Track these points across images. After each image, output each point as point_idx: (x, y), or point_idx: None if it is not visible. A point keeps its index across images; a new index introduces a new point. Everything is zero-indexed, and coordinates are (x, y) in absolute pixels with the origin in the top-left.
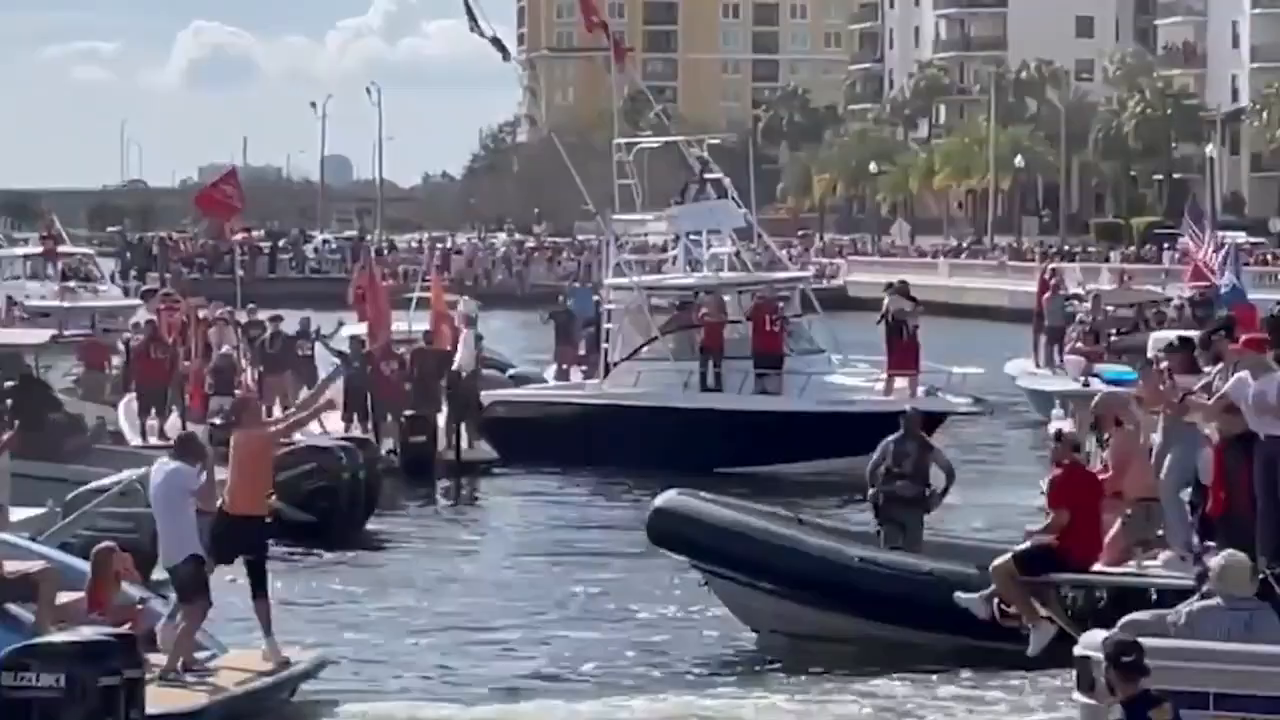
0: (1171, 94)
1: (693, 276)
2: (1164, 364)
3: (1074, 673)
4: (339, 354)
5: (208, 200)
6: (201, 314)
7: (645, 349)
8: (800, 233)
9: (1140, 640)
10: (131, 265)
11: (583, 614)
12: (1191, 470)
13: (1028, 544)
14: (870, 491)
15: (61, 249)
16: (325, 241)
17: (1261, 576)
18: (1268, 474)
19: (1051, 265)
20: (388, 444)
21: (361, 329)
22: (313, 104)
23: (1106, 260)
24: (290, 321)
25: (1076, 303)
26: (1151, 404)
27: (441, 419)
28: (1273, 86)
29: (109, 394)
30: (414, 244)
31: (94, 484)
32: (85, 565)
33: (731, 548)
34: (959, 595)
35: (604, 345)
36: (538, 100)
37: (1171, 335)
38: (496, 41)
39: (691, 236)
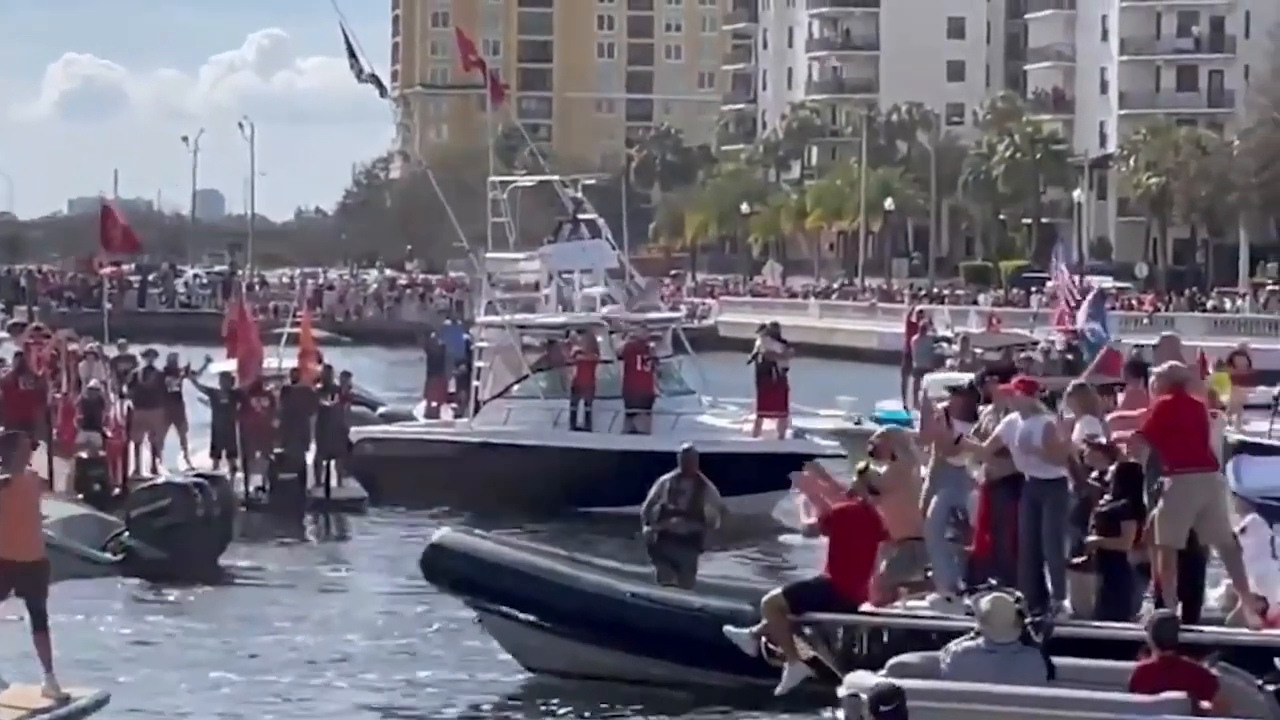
0: (1041, 139)
1: (563, 315)
2: (943, 405)
3: (840, 713)
4: (207, 390)
5: (113, 240)
6: (71, 347)
7: (516, 387)
8: (672, 272)
9: (901, 687)
10: None
11: (385, 657)
12: (955, 510)
13: (799, 580)
14: (645, 529)
15: None
16: (196, 276)
17: (1025, 621)
18: (1032, 516)
19: (920, 307)
20: (256, 480)
21: (231, 365)
22: (184, 138)
23: (975, 303)
24: (160, 357)
25: (945, 345)
26: (927, 442)
27: (310, 456)
28: (1140, 133)
29: None
30: (285, 279)
31: None
32: None
33: (504, 584)
34: (728, 630)
35: (474, 383)
36: (412, 136)
37: (951, 377)
38: (375, 78)
39: (563, 275)
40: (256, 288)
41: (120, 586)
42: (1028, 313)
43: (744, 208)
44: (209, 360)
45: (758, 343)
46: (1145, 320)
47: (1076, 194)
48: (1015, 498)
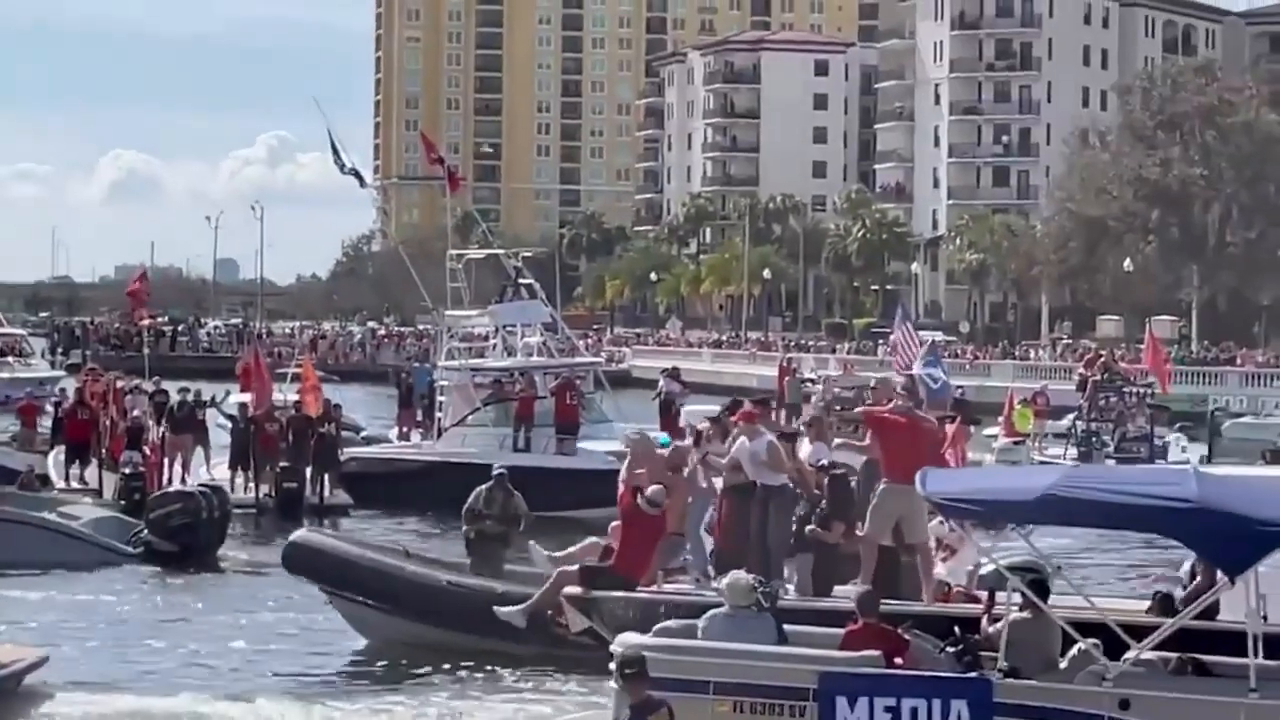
0: (886, 223)
1: (507, 360)
2: (703, 429)
3: (612, 665)
4: (229, 417)
5: (133, 293)
6: (119, 384)
7: (470, 417)
8: (594, 326)
9: (642, 654)
10: (58, 345)
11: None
12: (707, 511)
13: (592, 566)
14: (464, 529)
15: (0, 330)
16: (216, 327)
17: (758, 590)
18: (761, 513)
19: (790, 355)
20: (265, 489)
21: (246, 397)
22: (208, 217)
23: (834, 351)
24: (189, 392)
25: (810, 384)
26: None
27: (309, 471)
28: (963, 219)
29: (39, 446)
30: (288, 330)
31: None
32: None
33: (346, 574)
34: (498, 609)
35: (438, 414)
36: (389, 218)
37: (707, 409)
38: (355, 173)
39: (508, 328)
40: (265, 337)
41: (139, 571)
42: (875, 359)
43: (652, 276)
44: (229, 393)
45: (660, 383)
46: (967, 366)
47: (914, 266)
48: (742, 502)
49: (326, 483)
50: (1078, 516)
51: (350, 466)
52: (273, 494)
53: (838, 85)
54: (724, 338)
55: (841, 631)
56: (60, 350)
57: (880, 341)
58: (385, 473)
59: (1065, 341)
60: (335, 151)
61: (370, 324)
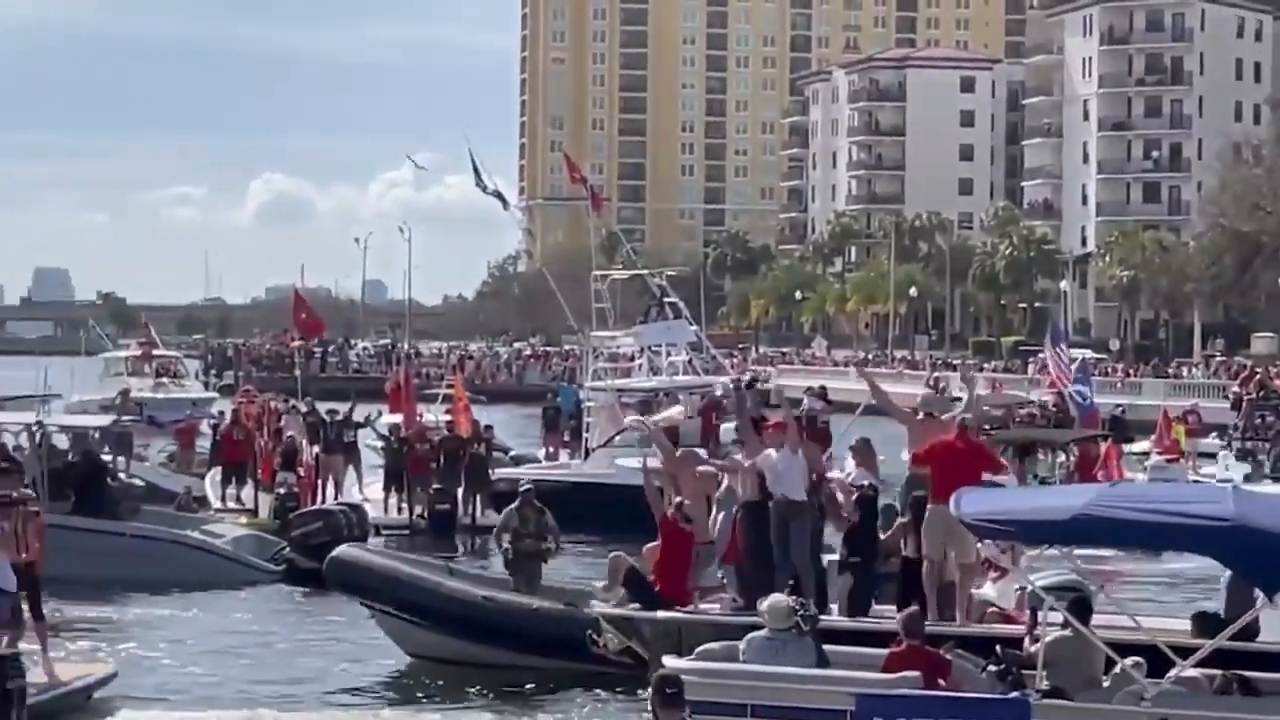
0: (1034, 240)
1: (654, 380)
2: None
3: (650, 685)
4: (382, 437)
5: (303, 325)
6: (274, 405)
7: (617, 437)
8: (739, 346)
9: (680, 675)
10: (212, 366)
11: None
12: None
13: (640, 580)
14: (502, 549)
15: (156, 352)
16: (365, 348)
17: (798, 612)
18: (781, 528)
19: (937, 374)
20: (418, 510)
21: (397, 419)
22: (356, 239)
23: (981, 370)
24: (340, 413)
25: (958, 404)
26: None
27: (461, 491)
28: (1113, 235)
29: (196, 467)
30: (435, 351)
31: None
32: None
33: (386, 589)
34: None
35: (585, 434)
36: (534, 239)
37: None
38: (498, 194)
39: (654, 348)
40: (412, 358)
41: (279, 589)
42: (1024, 378)
43: (797, 294)
44: (380, 413)
45: (805, 401)
46: (1118, 384)
47: (1063, 284)
48: (764, 517)
49: (478, 503)
50: (1112, 537)
51: (500, 487)
52: (425, 515)
53: (984, 101)
54: (870, 356)
55: (883, 653)
56: (213, 372)
57: (1029, 360)
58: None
59: (1218, 359)
60: (477, 173)
61: (516, 344)
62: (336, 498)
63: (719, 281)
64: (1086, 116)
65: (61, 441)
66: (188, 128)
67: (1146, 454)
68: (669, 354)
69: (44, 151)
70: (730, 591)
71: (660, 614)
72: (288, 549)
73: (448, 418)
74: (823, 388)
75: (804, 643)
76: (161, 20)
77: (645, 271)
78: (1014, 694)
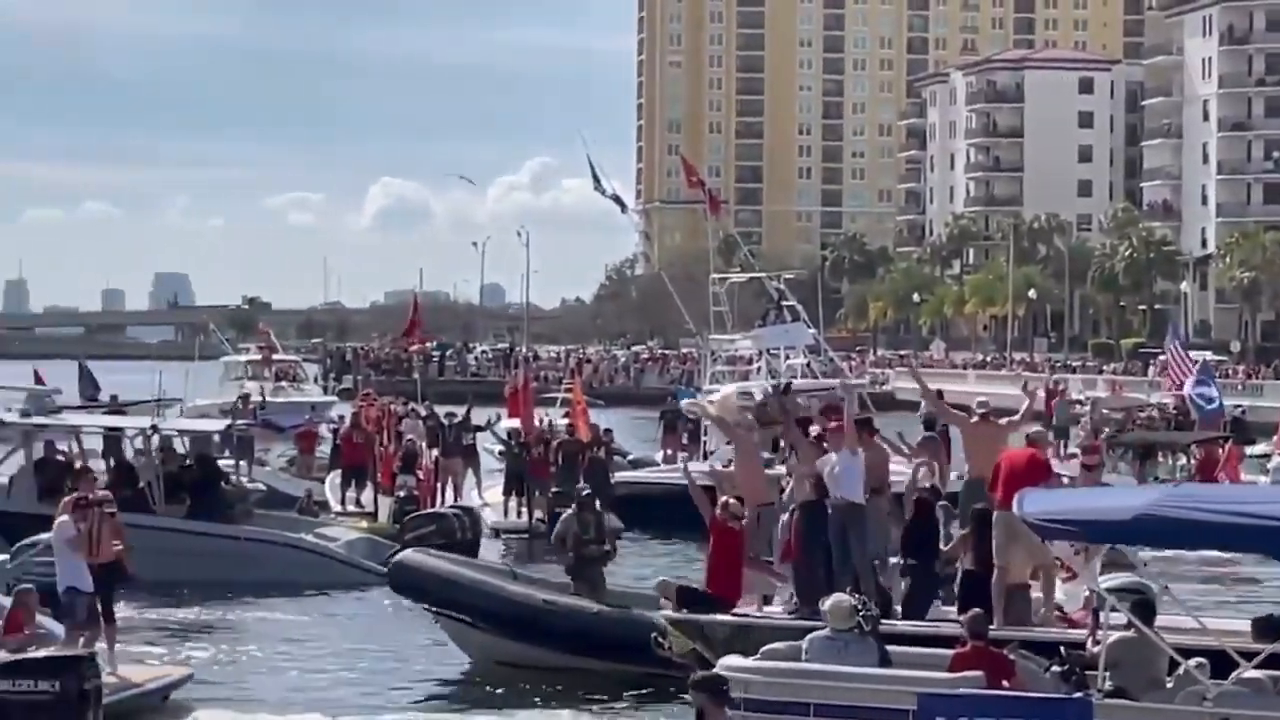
0: (1153, 241)
1: (772, 383)
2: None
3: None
4: (502, 441)
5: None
6: (393, 409)
7: None
8: (857, 348)
9: (724, 675)
10: (331, 370)
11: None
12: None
13: (688, 586)
14: (567, 555)
15: (276, 356)
16: (483, 351)
17: (860, 613)
18: (839, 531)
19: (1057, 376)
20: (538, 514)
21: (515, 423)
22: (474, 243)
23: (1100, 373)
24: (458, 417)
25: (1078, 406)
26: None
27: None
28: (1233, 236)
29: (317, 471)
30: (553, 354)
31: (31, 540)
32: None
33: (449, 594)
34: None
35: (703, 437)
36: (651, 242)
37: None
38: (616, 198)
39: (772, 351)
40: (531, 361)
41: (389, 593)
42: (1144, 380)
43: (915, 297)
44: (499, 417)
45: (923, 405)
46: (1239, 386)
47: (1183, 285)
48: (820, 518)
49: (598, 507)
50: (1176, 536)
51: (619, 490)
52: (545, 519)
53: (1103, 103)
54: (988, 359)
55: (946, 653)
56: (333, 375)
57: (1149, 361)
58: (654, 496)
59: None
60: (595, 177)
61: (634, 348)
62: (455, 501)
63: (836, 284)
64: (1206, 117)
65: (178, 446)
66: (308, 133)
67: (1267, 456)
68: (787, 357)
69: (165, 158)
70: (784, 593)
71: (726, 616)
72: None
73: (566, 421)
74: (940, 391)
75: (866, 643)
76: (284, 27)
77: (764, 274)
78: (1077, 694)
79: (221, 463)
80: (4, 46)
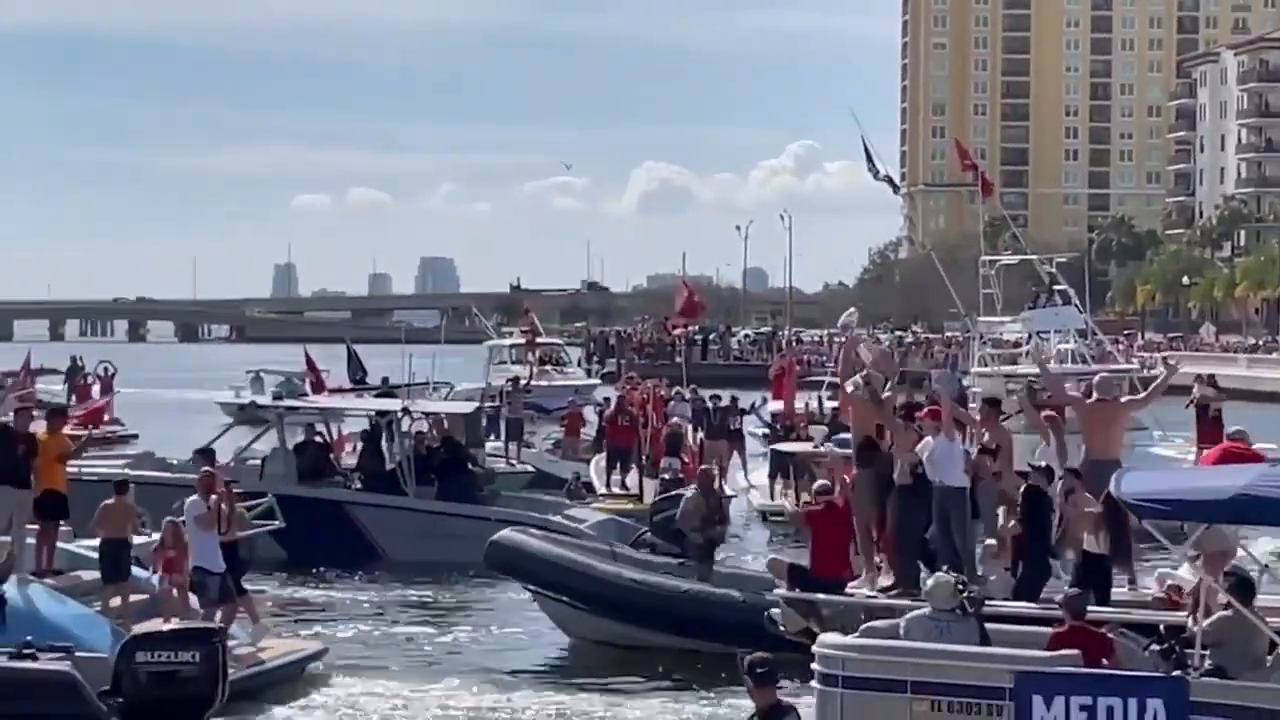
0: None
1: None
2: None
3: (815, 665)
4: (767, 424)
5: (689, 308)
6: (659, 392)
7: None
8: (1125, 332)
9: (769, 657)
10: (594, 353)
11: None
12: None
13: (798, 565)
14: (694, 535)
15: (539, 340)
16: (746, 335)
17: (963, 593)
18: (941, 516)
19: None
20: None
21: (778, 406)
22: (737, 227)
23: None
24: (723, 400)
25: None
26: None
27: None
28: None
29: (583, 453)
30: (816, 339)
31: None
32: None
33: (543, 572)
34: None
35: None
36: (915, 225)
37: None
38: (889, 180)
39: (1041, 334)
40: (794, 345)
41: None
42: None
43: (1184, 280)
44: (764, 401)
45: (1195, 389)
46: None
47: None
48: (917, 502)
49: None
50: (1274, 514)
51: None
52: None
53: None
54: (1260, 342)
55: (1045, 631)
56: (596, 359)
57: None
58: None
59: None
60: (869, 158)
61: (898, 331)
62: (720, 484)
63: (1103, 267)
64: None
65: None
66: (571, 119)
67: None
68: (1056, 340)
69: (430, 145)
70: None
71: (839, 596)
72: (648, 533)
73: (833, 404)
74: (1211, 376)
75: (968, 623)
76: (548, 15)
77: (1035, 257)
78: (1175, 673)
79: (490, 445)
80: (273, 37)
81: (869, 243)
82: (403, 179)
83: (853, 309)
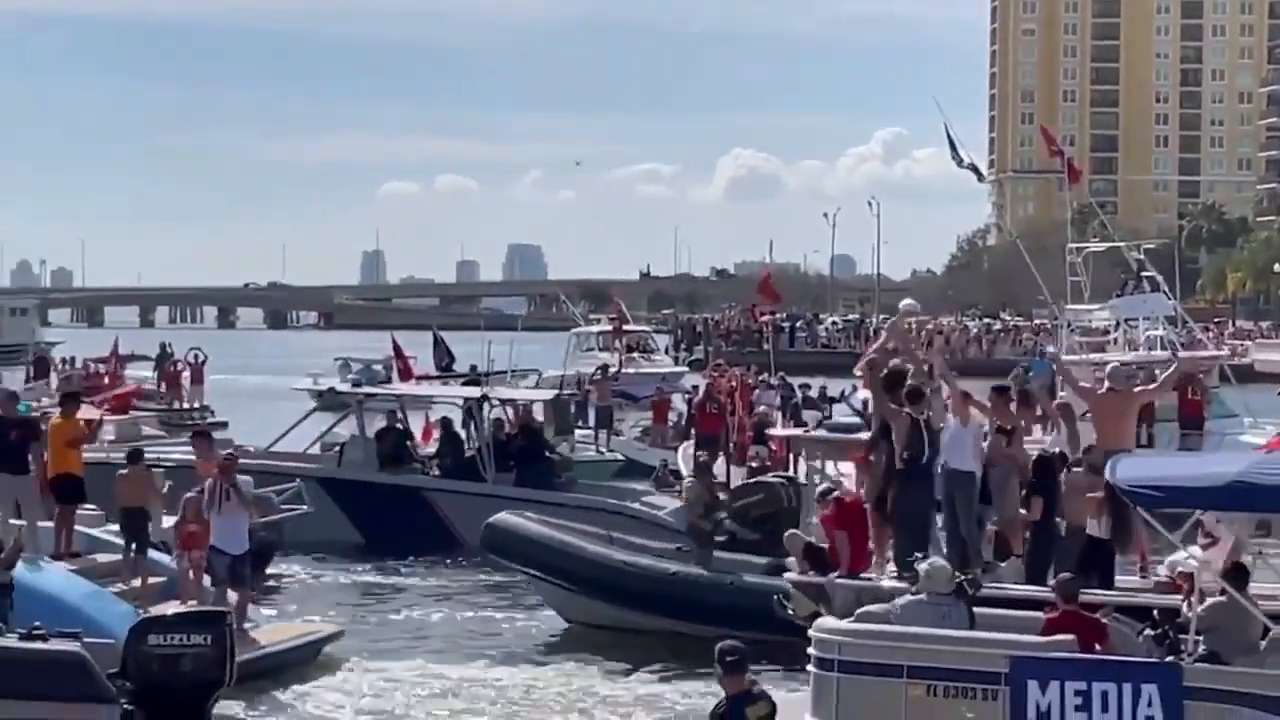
0: None
1: (1129, 354)
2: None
3: (810, 650)
4: (856, 412)
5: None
6: (746, 379)
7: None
8: (1215, 320)
9: (739, 645)
10: (681, 341)
11: None
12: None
13: (818, 546)
14: (717, 520)
15: (626, 327)
16: (834, 323)
17: (958, 579)
18: (949, 499)
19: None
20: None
21: (866, 394)
22: (825, 214)
23: None
24: (812, 388)
25: None
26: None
27: None
28: None
29: (670, 440)
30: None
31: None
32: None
33: (538, 555)
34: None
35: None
36: (1003, 212)
37: None
38: (973, 167)
39: (1129, 322)
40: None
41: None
42: None
43: (1276, 268)
44: (854, 389)
45: None
46: None
47: None
48: (926, 485)
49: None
50: (1270, 501)
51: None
52: None
53: None
54: None
55: (1039, 617)
56: (683, 346)
57: None
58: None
59: None
60: (952, 146)
61: (986, 319)
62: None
63: (1193, 254)
64: None
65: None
66: (659, 106)
67: None
68: (1145, 328)
69: (517, 133)
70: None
71: (851, 581)
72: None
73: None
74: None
75: (959, 607)
76: (635, 3)
77: (1123, 244)
78: (1169, 658)
79: (579, 432)
80: (363, 24)
81: (957, 230)
82: (490, 166)
83: (909, 299)
